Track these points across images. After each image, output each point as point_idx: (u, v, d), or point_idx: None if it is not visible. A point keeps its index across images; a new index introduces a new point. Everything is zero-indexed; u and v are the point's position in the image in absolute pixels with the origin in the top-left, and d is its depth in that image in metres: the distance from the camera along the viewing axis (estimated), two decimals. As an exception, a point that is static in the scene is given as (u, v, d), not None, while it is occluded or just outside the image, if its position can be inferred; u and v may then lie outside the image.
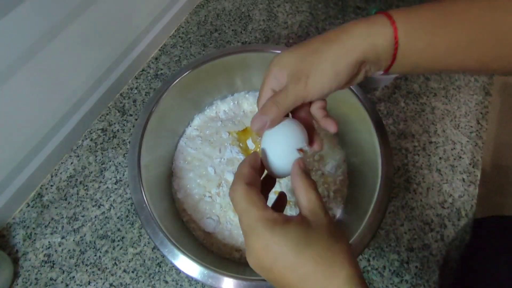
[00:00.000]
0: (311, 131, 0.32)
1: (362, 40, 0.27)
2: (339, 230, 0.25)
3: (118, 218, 0.48)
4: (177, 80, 0.45)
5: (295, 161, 0.28)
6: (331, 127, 0.31)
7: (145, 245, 0.46)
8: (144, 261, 0.45)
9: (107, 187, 0.50)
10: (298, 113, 0.32)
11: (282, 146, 0.29)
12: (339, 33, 0.28)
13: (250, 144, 0.49)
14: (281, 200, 0.35)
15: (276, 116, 0.29)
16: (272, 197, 0.35)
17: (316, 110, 0.32)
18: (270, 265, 0.24)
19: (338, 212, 0.45)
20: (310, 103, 0.32)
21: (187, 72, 0.46)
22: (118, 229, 0.47)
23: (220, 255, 0.42)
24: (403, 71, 0.31)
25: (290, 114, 0.32)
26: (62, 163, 0.52)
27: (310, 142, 0.31)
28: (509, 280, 0.39)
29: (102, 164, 0.52)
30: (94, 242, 0.46)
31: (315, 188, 0.27)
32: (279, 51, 0.47)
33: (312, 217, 0.25)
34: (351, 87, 0.44)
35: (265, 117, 0.29)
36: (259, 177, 0.29)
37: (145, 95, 0.59)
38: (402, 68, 0.29)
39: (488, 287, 0.41)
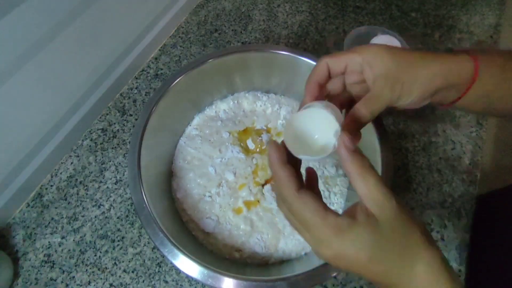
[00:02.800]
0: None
1: (447, 70, 0.29)
2: (409, 213, 0.23)
3: (118, 218, 0.48)
4: (177, 80, 0.45)
5: (340, 141, 0.25)
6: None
7: (145, 245, 0.46)
8: (144, 261, 0.45)
9: (107, 187, 0.50)
10: (335, 99, 0.33)
11: (321, 127, 0.28)
12: (433, 56, 0.30)
13: (250, 144, 0.49)
14: (311, 178, 0.32)
15: (365, 119, 0.28)
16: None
17: (357, 89, 0.33)
18: (346, 269, 0.23)
19: (338, 212, 0.45)
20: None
21: (187, 72, 0.46)
22: (118, 229, 0.47)
23: (220, 255, 0.42)
24: (469, 107, 0.33)
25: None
26: (62, 163, 0.52)
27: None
28: None
29: (102, 164, 0.52)
30: (94, 242, 0.46)
31: (371, 170, 0.23)
32: (279, 51, 0.47)
33: (377, 210, 0.23)
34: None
35: (356, 116, 0.28)
36: (296, 171, 0.26)
37: (145, 95, 0.59)
38: (469, 102, 0.32)
39: (497, 264, 0.40)
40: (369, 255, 0.22)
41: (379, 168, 0.39)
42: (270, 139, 0.28)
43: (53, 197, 0.50)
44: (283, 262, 0.42)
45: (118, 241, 0.47)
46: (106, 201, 0.49)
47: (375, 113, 0.29)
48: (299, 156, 0.28)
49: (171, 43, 0.64)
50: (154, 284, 0.44)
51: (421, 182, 0.50)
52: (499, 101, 0.31)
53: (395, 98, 0.29)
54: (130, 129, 0.55)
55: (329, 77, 0.32)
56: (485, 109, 0.33)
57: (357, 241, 0.22)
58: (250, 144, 0.49)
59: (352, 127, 0.28)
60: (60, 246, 0.46)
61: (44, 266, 0.45)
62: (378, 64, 0.29)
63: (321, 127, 0.29)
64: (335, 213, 0.24)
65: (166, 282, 0.44)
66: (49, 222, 0.48)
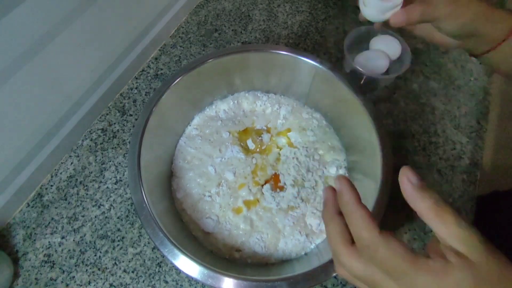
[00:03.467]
0: None
1: (489, 17, 0.33)
2: (495, 248, 0.20)
3: (118, 218, 0.48)
4: (177, 80, 0.45)
5: (403, 178, 0.23)
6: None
7: (145, 245, 0.46)
8: (144, 261, 0.45)
9: (107, 187, 0.50)
10: None
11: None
12: (488, 5, 0.34)
13: (250, 144, 0.49)
14: None
15: (414, 19, 0.34)
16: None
17: None
18: None
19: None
20: None
21: (187, 72, 0.46)
22: (118, 229, 0.47)
23: (220, 255, 0.42)
24: (497, 64, 0.37)
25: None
26: (62, 163, 0.52)
27: None
28: None
29: (102, 164, 0.52)
30: (94, 242, 0.46)
31: (446, 207, 0.21)
32: (279, 51, 0.47)
33: (466, 250, 0.20)
34: (351, 87, 0.44)
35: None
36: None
37: (145, 95, 0.59)
38: (497, 59, 0.36)
39: None
40: None
41: (379, 168, 0.39)
42: (339, 176, 0.25)
43: (53, 197, 0.50)
44: (283, 262, 0.42)
45: (118, 241, 0.47)
46: (106, 201, 0.49)
47: (422, 20, 0.34)
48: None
49: (171, 43, 0.64)
50: (154, 284, 0.44)
51: (421, 182, 0.50)
52: None
53: (443, 16, 0.34)
54: (130, 129, 0.55)
55: None
56: (510, 71, 0.36)
57: (461, 286, 0.19)
58: (250, 144, 0.49)
59: (400, 20, 0.34)
60: (60, 246, 0.46)
61: (44, 266, 0.45)
62: None
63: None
64: (421, 254, 0.21)
65: (166, 282, 0.44)
66: (49, 222, 0.48)
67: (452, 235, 0.20)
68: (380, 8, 0.36)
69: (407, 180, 0.22)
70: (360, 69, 0.52)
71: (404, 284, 0.20)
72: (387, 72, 0.57)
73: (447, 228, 0.20)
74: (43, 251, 0.46)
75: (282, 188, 0.46)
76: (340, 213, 0.24)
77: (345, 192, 0.24)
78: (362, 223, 0.22)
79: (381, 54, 0.52)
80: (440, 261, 0.20)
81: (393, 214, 0.48)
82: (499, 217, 0.47)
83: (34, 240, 0.47)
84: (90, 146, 0.54)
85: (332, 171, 0.47)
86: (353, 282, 0.23)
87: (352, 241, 0.23)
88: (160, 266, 0.45)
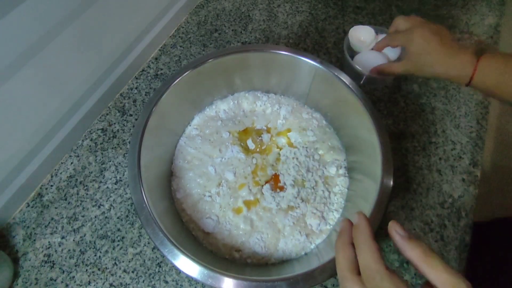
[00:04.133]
0: None
1: (450, 71, 0.43)
2: None
3: (118, 218, 0.48)
4: (177, 80, 0.45)
5: (393, 231, 0.26)
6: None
7: (145, 245, 0.46)
8: (144, 261, 0.45)
9: (107, 187, 0.50)
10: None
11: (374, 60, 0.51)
12: (449, 55, 0.43)
13: (250, 144, 0.49)
14: None
15: (389, 72, 0.50)
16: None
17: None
18: None
19: (339, 212, 0.45)
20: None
21: (187, 72, 0.46)
22: (118, 229, 0.47)
23: (220, 255, 0.42)
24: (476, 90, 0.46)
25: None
26: (62, 163, 0.52)
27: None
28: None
29: (102, 164, 0.52)
30: (94, 242, 0.46)
31: (433, 254, 0.23)
32: (279, 51, 0.47)
33: None
34: (351, 87, 0.44)
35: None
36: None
37: (145, 95, 0.59)
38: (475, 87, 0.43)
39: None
40: None
41: (379, 168, 0.39)
42: (359, 212, 0.28)
43: (53, 197, 0.50)
44: (283, 262, 0.42)
45: (118, 241, 0.47)
46: (106, 201, 0.49)
47: (389, 74, 0.50)
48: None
49: (171, 43, 0.64)
50: (154, 284, 0.44)
51: (421, 182, 0.50)
52: (499, 93, 0.41)
53: (406, 73, 0.48)
54: (130, 129, 0.55)
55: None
56: (488, 95, 0.45)
57: None
58: (250, 144, 0.49)
59: (378, 74, 0.51)
60: (60, 246, 0.46)
61: (44, 266, 0.45)
62: (412, 48, 0.45)
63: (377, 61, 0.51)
64: None
65: (166, 282, 0.44)
66: (49, 222, 0.48)
67: (442, 281, 0.22)
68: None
69: (395, 232, 0.25)
70: (360, 69, 0.52)
71: None
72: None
73: (436, 274, 0.22)
74: (43, 251, 0.46)
75: (282, 188, 0.46)
76: (353, 244, 0.27)
77: (362, 226, 0.26)
78: (371, 256, 0.24)
79: (380, 54, 0.52)
80: None
81: (393, 214, 0.48)
82: (497, 244, 0.47)
83: (34, 240, 0.47)
84: (90, 146, 0.54)
85: (332, 171, 0.47)
86: None
87: (359, 272, 0.25)
88: (160, 266, 0.45)
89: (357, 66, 0.53)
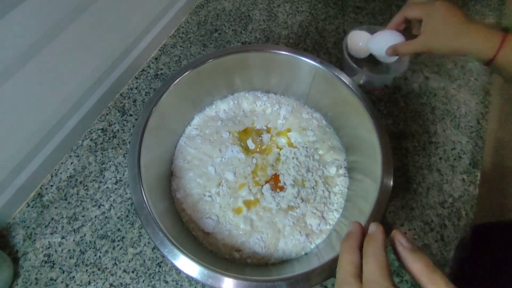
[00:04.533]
0: None
1: (473, 47, 0.41)
2: None
3: (118, 218, 0.48)
4: (177, 80, 0.45)
5: (397, 242, 0.25)
6: None
7: (145, 245, 0.46)
8: (144, 261, 0.45)
9: (107, 187, 0.50)
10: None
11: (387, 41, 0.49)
12: (474, 30, 0.41)
13: (250, 144, 0.49)
14: None
15: (404, 53, 0.48)
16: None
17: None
18: None
19: (339, 212, 0.45)
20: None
21: (187, 72, 0.46)
22: (118, 229, 0.47)
23: (220, 255, 0.42)
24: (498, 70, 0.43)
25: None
26: (62, 163, 0.52)
27: None
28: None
29: (102, 164, 0.52)
30: (94, 242, 0.46)
31: (435, 269, 0.23)
32: (279, 51, 0.47)
33: None
34: (350, 87, 0.44)
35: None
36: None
37: (145, 95, 0.59)
38: (498, 66, 0.41)
39: None
40: None
41: (379, 168, 0.39)
42: (377, 223, 0.27)
43: (53, 197, 0.50)
44: (283, 262, 0.42)
45: (118, 241, 0.47)
46: (106, 201, 0.49)
47: (408, 53, 0.47)
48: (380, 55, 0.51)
49: (171, 43, 0.64)
50: (154, 284, 0.44)
51: (421, 182, 0.50)
52: None
53: (425, 51, 0.44)
54: (130, 129, 0.55)
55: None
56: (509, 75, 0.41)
57: None
58: (250, 144, 0.49)
59: (391, 52, 0.48)
60: (60, 246, 0.46)
61: (44, 266, 0.45)
62: (429, 24, 0.43)
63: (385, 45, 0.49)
64: None
65: (166, 282, 0.44)
66: (49, 222, 0.48)
67: None
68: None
69: (398, 242, 0.25)
70: (376, 54, 0.53)
71: None
72: (387, 71, 0.57)
73: None
74: (43, 251, 0.46)
75: (282, 188, 0.46)
76: (360, 250, 0.26)
77: (378, 238, 0.25)
78: (380, 270, 0.23)
79: (395, 34, 0.50)
80: None
81: (393, 214, 0.48)
82: (496, 245, 0.47)
83: (34, 240, 0.47)
84: (90, 146, 0.54)
85: (332, 171, 0.47)
86: None
87: (361, 279, 0.24)
88: (160, 266, 0.45)
89: (373, 49, 0.52)
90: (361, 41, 0.54)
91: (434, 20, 0.42)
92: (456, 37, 0.41)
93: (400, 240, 0.25)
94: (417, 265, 0.23)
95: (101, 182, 0.51)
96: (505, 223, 0.49)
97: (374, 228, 0.26)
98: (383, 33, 0.51)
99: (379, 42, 0.51)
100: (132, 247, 0.46)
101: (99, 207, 0.49)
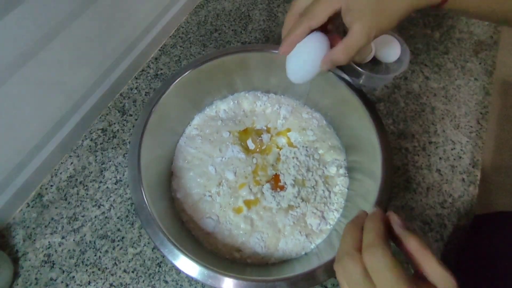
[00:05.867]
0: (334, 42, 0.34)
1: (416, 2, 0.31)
2: None
3: (118, 218, 0.48)
4: (177, 80, 0.45)
5: (392, 221, 0.26)
6: None
7: (145, 245, 0.46)
8: (144, 261, 0.45)
9: (107, 187, 0.50)
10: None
11: (307, 56, 0.33)
12: None
13: (250, 144, 0.49)
14: None
15: (342, 63, 0.32)
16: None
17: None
18: None
19: (339, 212, 0.45)
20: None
21: (187, 72, 0.46)
22: (118, 229, 0.47)
23: (220, 255, 0.42)
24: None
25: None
26: (62, 163, 0.52)
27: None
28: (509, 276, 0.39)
29: (102, 164, 0.52)
30: (94, 242, 0.46)
31: (428, 248, 0.24)
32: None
33: (447, 285, 0.23)
34: (350, 87, 0.44)
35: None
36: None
37: (145, 95, 0.59)
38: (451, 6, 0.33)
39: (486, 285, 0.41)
40: None
41: (379, 168, 0.39)
42: (377, 207, 0.29)
43: (53, 197, 0.50)
44: (283, 262, 0.42)
45: (118, 241, 0.47)
46: (106, 201, 0.49)
47: (351, 59, 0.32)
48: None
49: (171, 43, 0.64)
50: (154, 284, 0.44)
51: (421, 182, 0.50)
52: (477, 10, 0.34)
53: (370, 42, 0.31)
54: (130, 129, 0.55)
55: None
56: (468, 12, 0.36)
57: None
58: (250, 145, 0.49)
59: (330, 66, 0.33)
60: (60, 246, 0.46)
61: (44, 266, 0.45)
62: (355, 9, 0.30)
63: (312, 56, 0.33)
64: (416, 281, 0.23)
65: (166, 282, 0.44)
66: (49, 222, 0.48)
67: (437, 274, 0.23)
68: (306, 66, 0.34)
69: (393, 221, 0.26)
70: (358, 69, 0.51)
71: None
72: (387, 71, 0.57)
73: (431, 267, 0.23)
74: (43, 251, 0.46)
75: (282, 188, 0.46)
76: (362, 230, 0.27)
77: (378, 214, 0.27)
78: (376, 233, 0.25)
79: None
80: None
81: (393, 214, 0.48)
82: (495, 238, 0.47)
83: (34, 240, 0.47)
84: (90, 146, 0.54)
85: (332, 170, 0.47)
86: (342, 283, 0.25)
87: (361, 251, 0.25)
88: (160, 266, 0.45)
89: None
90: None
91: (359, 1, 0.30)
92: (395, 2, 0.30)
93: (395, 220, 0.26)
94: (411, 243, 0.24)
95: (101, 182, 0.51)
96: (505, 213, 0.48)
97: (375, 210, 0.28)
98: (300, 45, 0.36)
99: (300, 59, 0.36)
100: (132, 247, 0.46)
101: (99, 207, 0.49)
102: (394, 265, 0.22)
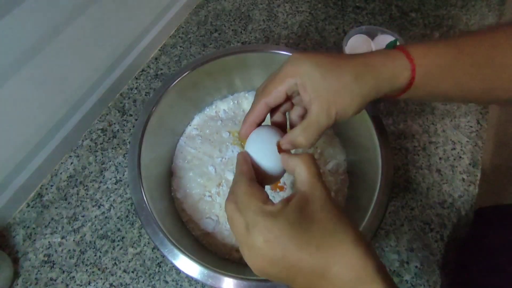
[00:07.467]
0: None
1: (383, 80, 0.29)
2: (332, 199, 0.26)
3: (118, 218, 0.48)
4: (177, 80, 0.45)
5: (278, 143, 0.31)
6: None
7: (145, 245, 0.46)
8: (144, 261, 0.45)
9: (107, 187, 0.50)
10: (274, 117, 0.34)
11: (269, 151, 0.30)
12: (366, 69, 0.29)
13: (250, 144, 0.49)
14: None
15: (302, 146, 0.30)
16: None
17: (295, 117, 0.34)
18: (279, 256, 0.23)
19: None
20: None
21: (187, 72, 0.46)
22: (118, 229, 0.47)
23: (220, 255, 0.42)
24: (414, 98, 0.32)
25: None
26: (62, 163, 0.52)
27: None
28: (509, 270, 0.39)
29: (102, 164, 0.52)
30: (94, 242, 0.46)
31: (294, 156, 0.28)
32: (279, 51, 0.47)
33: (308, 189, 0.26)
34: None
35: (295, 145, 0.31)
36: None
37: (145, 95, 0.59)
38: (413, 95, 0.31)
39: (487, 278, 0.41)
40: (301, 230, 0.23)
41: (379, 168, 0.39)
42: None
43: (53, 197, 0.50)
44: (283, 262, 0.42)
45: (118, 241, 0.47)
46: (106, 201, 0.49)
47: (313, 141, 0.30)
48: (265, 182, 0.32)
49: (171, 43, 0.64)
50: (154, 284, 0.44)
51: (421, 182, 0.50)
52: (444, 93, 0.31)
53: (332, 122, 0.29)
54: (130, 129, 0.55)
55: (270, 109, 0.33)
56: (430, 98, 0.36)
57: (290, 218, 0.24)
58: (250, 144, 0.49)
59: (290, 147, 0.30)
60: (60, 246, 0.46)
61: (44, 266, 0.45)
62: (311, 87, 0.28)
63: (269, 155, 0.31)
64: (274, 203, 0.25)
65: (166, 282, 0.44)
66: (49, 222, 0.48)
67: (302, 180, 0.26)
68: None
69: (281, 143, 0.31)
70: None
71: (247, 220, 0.24)
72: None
73: (297, 175, 0.27)
74: (43, 251, 0.46)
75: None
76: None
77: (240, 157, 0.31)
78: (238, 175, 0.29)
79: (365, 39, 0.50)
80: (284, 203, 0.25)
81: (393, 214, 0.48)
82: (498, 231, 0.47)
83: (34, 240, 0.47)
84: (90, 146, 0.54)
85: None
86: (230, 217, 0.27)
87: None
88: (160, 266, 0.45)
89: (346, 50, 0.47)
90: (359, 47, 0.54)
91: (314, 77, 0.28)
92: (356, 77, 0.28)
93: (281, 141, 0.30)
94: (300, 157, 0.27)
95: (101, 182, 0.51)
96: (507, 206, 0.48)
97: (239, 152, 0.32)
98: (257, 132, 0.33)
99: (258, 145, 0.32)
100: (132, 247, 0.46)
101: (99, 207, 0.49)
102: (246, 190, 0.26)
